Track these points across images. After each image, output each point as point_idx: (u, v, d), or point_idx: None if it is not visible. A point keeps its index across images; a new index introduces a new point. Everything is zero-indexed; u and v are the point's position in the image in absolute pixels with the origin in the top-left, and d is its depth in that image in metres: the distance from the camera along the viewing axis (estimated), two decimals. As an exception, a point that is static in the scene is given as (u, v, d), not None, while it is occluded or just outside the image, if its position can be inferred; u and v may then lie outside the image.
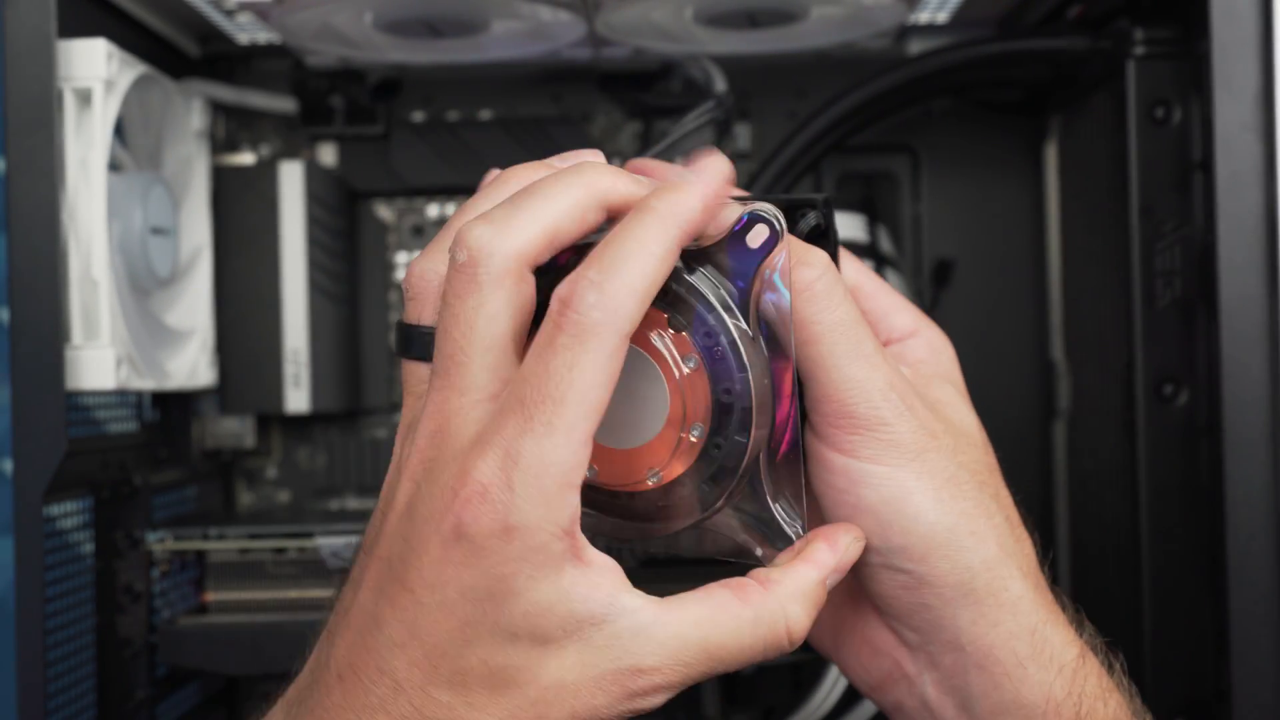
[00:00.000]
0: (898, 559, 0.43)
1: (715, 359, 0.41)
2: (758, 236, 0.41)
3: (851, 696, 0.62)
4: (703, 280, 0.41)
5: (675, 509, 0.43)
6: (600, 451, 0.41)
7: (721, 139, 0.75)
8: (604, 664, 0.38)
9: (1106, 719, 0.44)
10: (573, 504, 0.37)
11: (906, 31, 0.72)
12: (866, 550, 0.43)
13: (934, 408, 0.45)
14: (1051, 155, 0.73)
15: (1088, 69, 0.64)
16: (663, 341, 0.41)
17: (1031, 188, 0.74)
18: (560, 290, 0.38)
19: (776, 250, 0.41)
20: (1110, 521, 0.64)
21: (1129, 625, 0.61)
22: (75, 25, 0.57)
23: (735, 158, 0.76)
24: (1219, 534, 0.55)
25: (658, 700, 0.40)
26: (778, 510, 0.43)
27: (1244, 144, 0.54)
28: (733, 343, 0.41)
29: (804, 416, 0.45)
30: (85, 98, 0.57)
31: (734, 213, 0.41)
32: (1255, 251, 0.54)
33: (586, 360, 0.37)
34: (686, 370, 0.41)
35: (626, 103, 0.74)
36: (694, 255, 0.41)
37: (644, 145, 0.74)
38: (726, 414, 0.41)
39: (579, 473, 0.37)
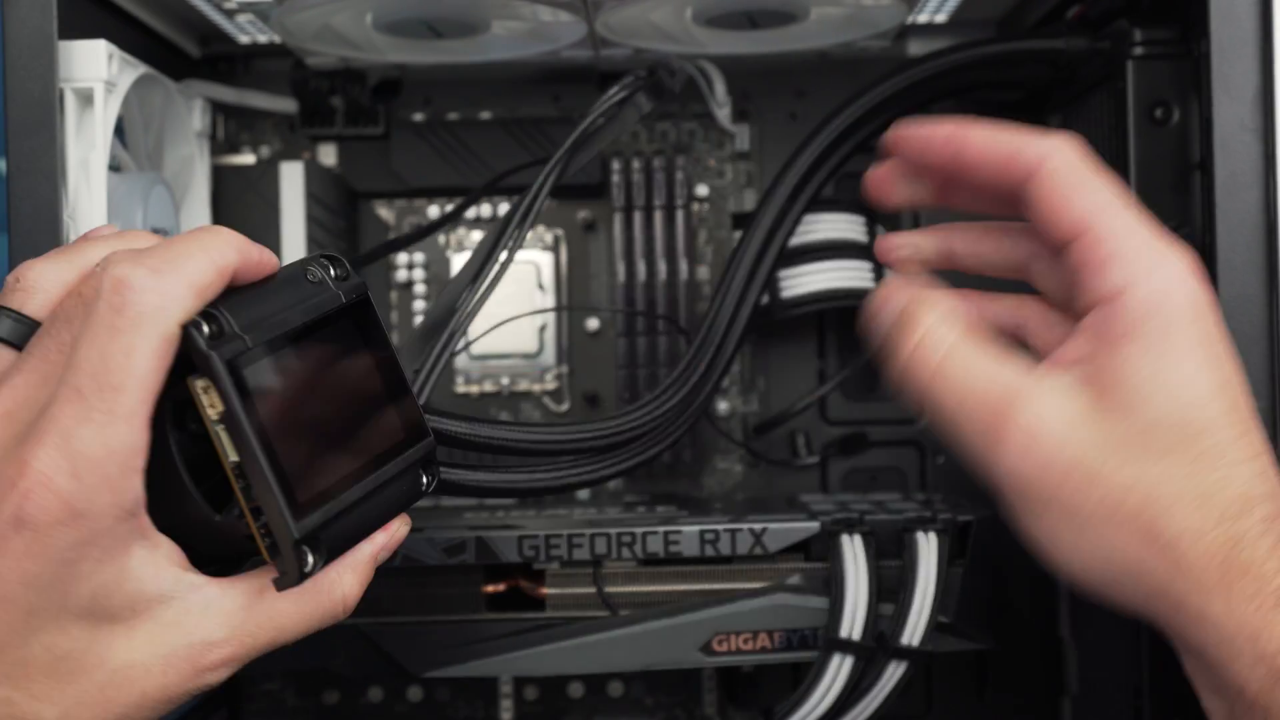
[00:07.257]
0: None
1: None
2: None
3: (852, 696, 0.61)
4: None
5: None
6: None
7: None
8: (174, 641, 0.40)
9: None
10: (136, 487, 0.38)
11: (906, 32, 0.72)
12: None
13: None
14: (1051, 155, 0.73)
15: (1087, 69, 0.64)
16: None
17: (1031, 188, 0.74)
18: (116, 272, 0.38)
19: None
20: (1110, 521, 0.64)
21: (1129, 625, 0.61)
22: (76, 26, 0.57)
23: (735, 158, 0.76)
24: (1218, 533, 0.55)
25: (224, 674, 0.41)
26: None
27: (1243, 144, 0.54)
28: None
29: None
30: (86, 98, 0.57)
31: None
32: (1254, 252, 0.54)
33: (145, 347, 0.38)
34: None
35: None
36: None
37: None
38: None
39: (141, 457, 0.38)
